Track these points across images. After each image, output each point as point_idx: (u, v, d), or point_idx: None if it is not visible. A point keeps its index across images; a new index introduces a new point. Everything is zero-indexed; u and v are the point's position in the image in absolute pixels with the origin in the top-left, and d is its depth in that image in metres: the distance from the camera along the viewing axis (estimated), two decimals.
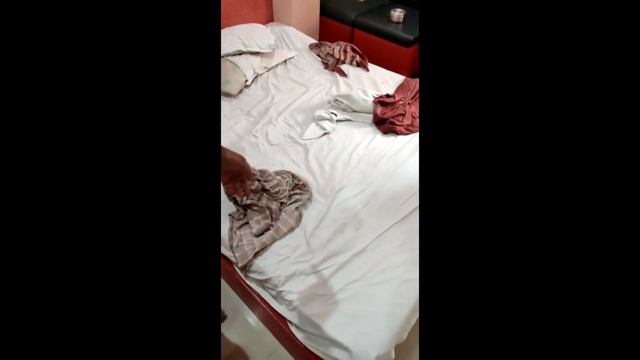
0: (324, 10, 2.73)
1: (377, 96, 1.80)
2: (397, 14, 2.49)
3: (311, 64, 2.21)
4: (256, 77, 2.06)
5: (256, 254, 1.17)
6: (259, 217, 1.25)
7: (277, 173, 1.40)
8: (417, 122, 1.72)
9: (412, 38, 2.37)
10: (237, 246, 1.20)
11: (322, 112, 1.74)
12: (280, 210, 1.29)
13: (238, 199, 1.27)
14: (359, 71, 2.14)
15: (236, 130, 1.69)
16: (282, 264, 1.15)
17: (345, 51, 2.19)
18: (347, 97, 1.79)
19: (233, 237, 1.22)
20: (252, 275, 1.18)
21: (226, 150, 0.74)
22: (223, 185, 0.78)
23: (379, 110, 1.72)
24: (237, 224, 1.26)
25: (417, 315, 1.08)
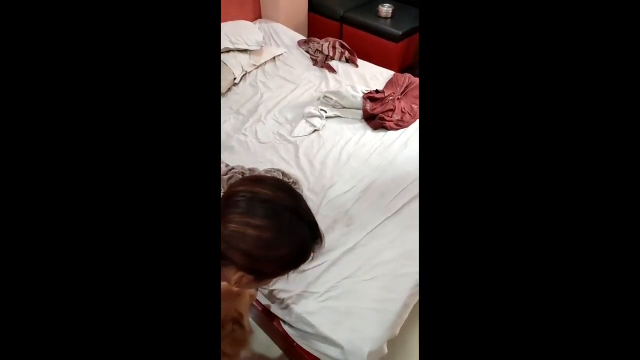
0: (312, 7, 2.71)
1: (366, 92, 1.80)
2: (386, 9, 2.49)
3: (300, 61, 2.19)
4: (245, 75, 2.04)
5: None
6: None
7: (267, 171, 1.39)
8: (406, 117, 1.73)
9: (400, 33, 2.37)
10: None
11: (312, 109, 1.73)
12: None
13: None
14: (348, 67, 2.13)
15: (225, 129, 1.68)
16: None
17: (334, 47, 2.18)
18: (336, 93, 1.78)
19: None
20: None
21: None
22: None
23: (369, 106, 1.72)
24: None
25: (409, 310, 1.08)
